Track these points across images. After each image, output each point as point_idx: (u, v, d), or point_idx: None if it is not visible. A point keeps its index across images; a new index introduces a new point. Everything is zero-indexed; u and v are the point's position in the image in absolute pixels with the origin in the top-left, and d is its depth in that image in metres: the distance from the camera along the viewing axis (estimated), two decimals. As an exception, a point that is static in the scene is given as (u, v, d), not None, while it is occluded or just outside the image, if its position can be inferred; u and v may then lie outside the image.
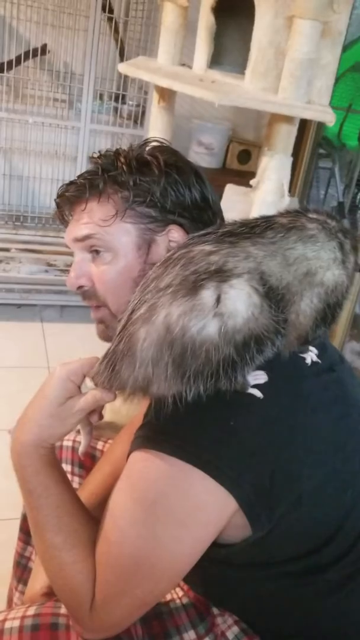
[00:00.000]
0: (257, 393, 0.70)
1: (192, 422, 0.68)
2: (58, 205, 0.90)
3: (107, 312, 0.88)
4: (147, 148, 0.90)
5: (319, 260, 0.73)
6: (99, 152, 0.91)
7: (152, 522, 0.71)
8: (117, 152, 0.89)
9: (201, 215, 0.88)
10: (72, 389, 0.78)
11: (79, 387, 0.79)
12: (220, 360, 0.65)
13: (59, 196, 0.90)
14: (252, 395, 0.70)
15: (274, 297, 0.68)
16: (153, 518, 0.71)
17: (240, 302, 0.66)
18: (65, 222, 0.90)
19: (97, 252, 0.86)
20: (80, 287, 0.89)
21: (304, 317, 0.73)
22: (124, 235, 0.85)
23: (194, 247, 0.70)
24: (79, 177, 0.89)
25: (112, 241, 0.85)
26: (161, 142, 0.92)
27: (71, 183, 0.89)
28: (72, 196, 0.88)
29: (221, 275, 0.66)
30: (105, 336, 0.91)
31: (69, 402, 0.78)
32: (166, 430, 0.70)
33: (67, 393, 0.78)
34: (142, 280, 0.72)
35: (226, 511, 0.70)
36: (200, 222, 0.87)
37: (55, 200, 0.91)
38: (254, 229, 0.72)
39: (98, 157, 0.90)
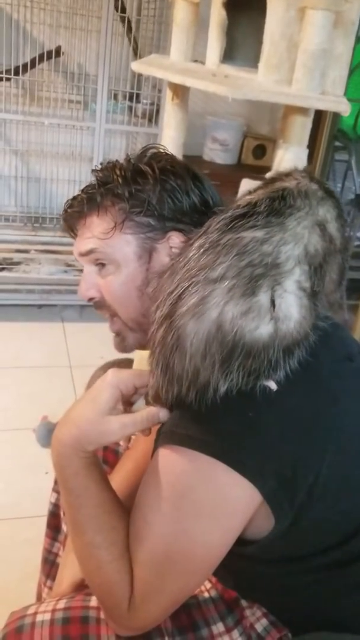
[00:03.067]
0: (272, 385, 0.70)
1: (211, 416, 0.68)
2: (64, 220, 0.93)
3: (121, 323, 0.90)
4: (145, 157, 0.91)
5: (334, 222, 0.74)
6: (101, 163, 0.93)
7: (181, 516, 0.71)
8: (114, 165, 0.90)
9: (202, 219, 0.86)
10: (119, 397, 0.78)
11: (130, 401, 0.80)
12: (266, 361, 0.65)
13: (64, 212, 0.92)
14: (268, 386, 0.70)
15: (318, 290, 0.69)
16: (181, 512, 0.71)
17: (293, 306, 0.66)
18: (75, 237, 0.93)
19: (102, 264, 0.89)
20: (90, 298, 0.91)
21: (330, 284, 0.75)
22: (124, 246, 0.87)
23: (244, 233, 0.67)
24: (81, 191, 0.91)
25: (113, 253, 0.87)
26: (158, 149, 0.93)
27: (74, 198, 0.91)
28: (74, 212, 0.91)
29: (275, 272, 0.66)
30: (122, 348, 0.93)
31: (112, 419, 0.76)
32: (187, 426, 0.71)
33: (114, 401, 0.78)
34: (181, 262, 0.70)
35: (252, 501, 0.70)
36: (201, 226, 0.88)
37: (60, 216, 0.94)
38: (287, 200, 0.71)
39: (99, 170, 0.91)
